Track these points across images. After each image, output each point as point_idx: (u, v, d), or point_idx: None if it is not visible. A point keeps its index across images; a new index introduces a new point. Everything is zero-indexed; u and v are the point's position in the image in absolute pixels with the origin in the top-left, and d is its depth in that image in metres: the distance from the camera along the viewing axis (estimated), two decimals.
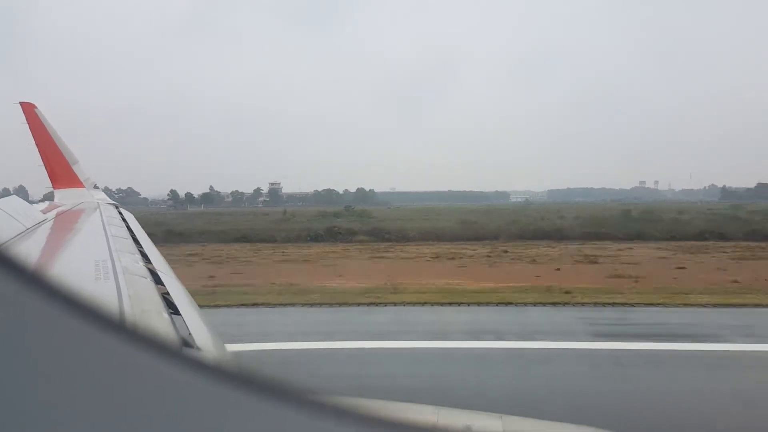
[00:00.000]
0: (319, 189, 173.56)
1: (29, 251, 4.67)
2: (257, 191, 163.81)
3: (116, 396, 0.81)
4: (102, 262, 4.03)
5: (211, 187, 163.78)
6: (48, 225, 7.33)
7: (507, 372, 12.64)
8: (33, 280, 0.91)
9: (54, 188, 14.85)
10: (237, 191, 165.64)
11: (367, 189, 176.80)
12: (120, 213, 10.91)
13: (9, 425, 0.73)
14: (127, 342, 0.88)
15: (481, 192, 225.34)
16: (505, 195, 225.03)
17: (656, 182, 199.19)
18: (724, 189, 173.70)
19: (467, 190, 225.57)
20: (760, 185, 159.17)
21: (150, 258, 5.28)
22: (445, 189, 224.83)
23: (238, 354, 10.95)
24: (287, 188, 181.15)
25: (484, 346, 14.42)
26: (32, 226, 6.35)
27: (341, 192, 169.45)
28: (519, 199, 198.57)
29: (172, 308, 3.28)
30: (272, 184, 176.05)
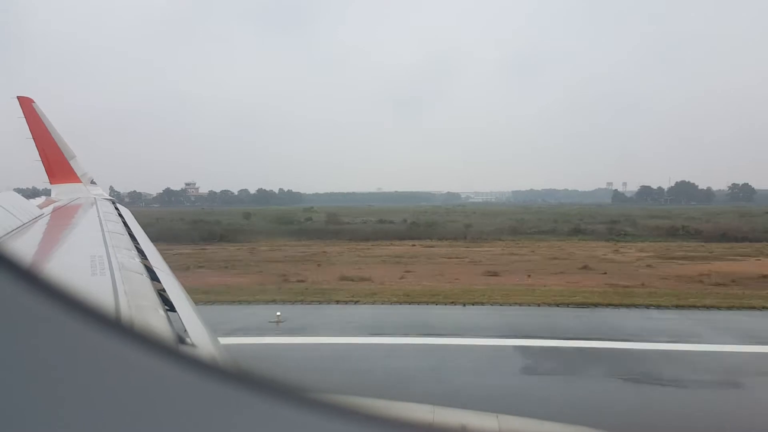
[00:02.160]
0: (216, 190, 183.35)
1: (26, 246, 4.66)
2: (167, 191, 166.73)
3: (111, 392, 0.81)
4: (98, 258, 4.02)
5: (111, 188, 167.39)
6: (44, 220, 7.31)
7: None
8: (28, 275, 0.91)
9: (51, 183, 14.80)
10: (135, 191, 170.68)
11: (279, 189, 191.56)
12: (116, 209, 10.88)
13: (4, 422, 0.73)
14: (123, 338, 0.88)
15: (429, 193, 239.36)
16: (456, 196, 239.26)
17: (624, 184, 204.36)
18: (615, 192, 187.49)
19: (414, 191, 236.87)
20: (642, 188, 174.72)
21: (146, 254, 5.26)
22: (392, 190, 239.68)
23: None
24: (215, 189, 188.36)
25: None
26: (29, 221, 6.33)
27: (236, 192, 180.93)
28: (479, 200, 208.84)
29: (168, 305, 3.27)
30: (187, 184, 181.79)
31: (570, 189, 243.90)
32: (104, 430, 0.77)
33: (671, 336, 15.61)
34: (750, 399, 11.05)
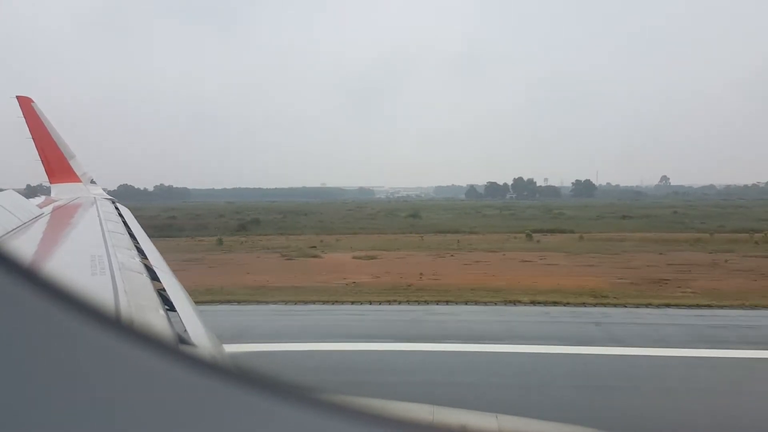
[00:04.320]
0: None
1: (25, 245, 4.66)
2: (29, 188, 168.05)
3: (111, 392, 0.81)
4: (98, 258, 4.02)
5: None
6: (44, 219, 7.30)
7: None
8: (28, 275, 0.91)
9: (51, 183, 14.80)
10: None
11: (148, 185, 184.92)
12: (117, 208, 10.88)
13: (4, 422, 0.73)
14: (123, 337, 0.88)
15: (339, 188, 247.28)
16: (369, 192, 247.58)
17: (546, 179, 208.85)
18: (471, 187, 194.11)
19: (331, 186, 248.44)
20: (489, 183, 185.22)
21: (146, 254, 5.27)
22: (299, 186, 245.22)
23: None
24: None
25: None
26: (29, 220, 6.33)
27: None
28: (398, 195, 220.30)
29: (168, 305, 3.28)
30: None
31: (488, 184, 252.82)
32: (105, 428, 0.77)
33: None
34: None
